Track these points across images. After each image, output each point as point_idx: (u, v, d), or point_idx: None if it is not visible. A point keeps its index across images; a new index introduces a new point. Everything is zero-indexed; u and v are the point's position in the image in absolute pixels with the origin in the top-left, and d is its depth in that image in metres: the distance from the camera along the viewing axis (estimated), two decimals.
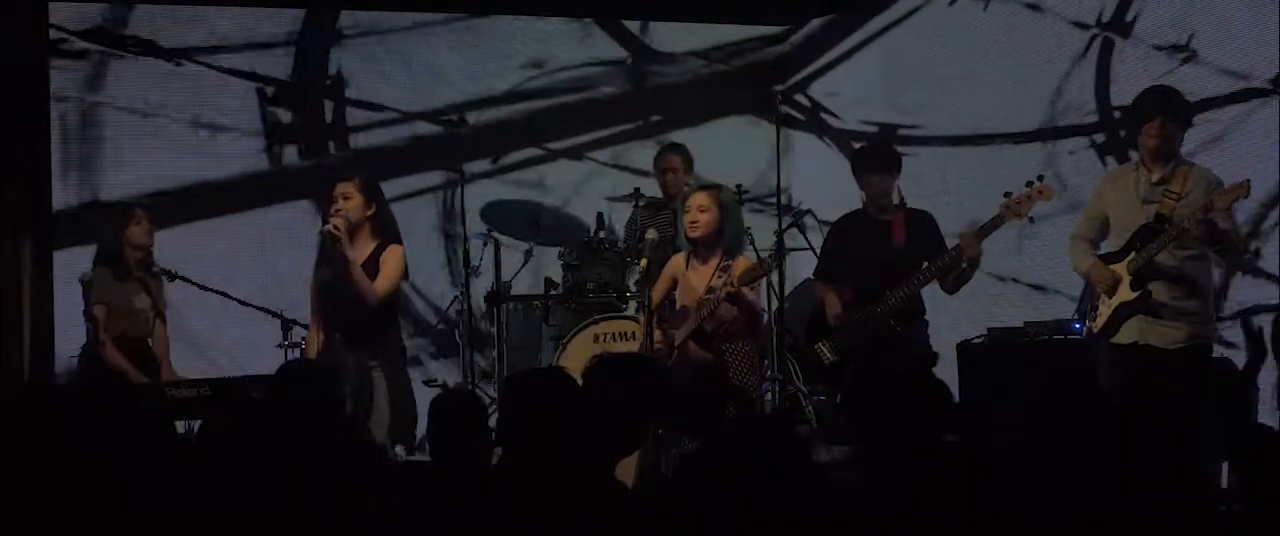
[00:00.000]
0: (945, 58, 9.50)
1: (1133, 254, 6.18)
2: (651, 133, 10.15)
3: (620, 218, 9.07)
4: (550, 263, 8.85)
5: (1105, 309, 6.24)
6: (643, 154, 9.92)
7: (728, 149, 9.78)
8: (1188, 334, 6.12)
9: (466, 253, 7.90)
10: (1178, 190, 6.08)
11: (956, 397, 7.33)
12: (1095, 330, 6.28)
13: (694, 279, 6.61)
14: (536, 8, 9.94)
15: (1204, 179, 6.15)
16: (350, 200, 6.67)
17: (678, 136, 9.79)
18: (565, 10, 10.03)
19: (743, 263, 6.56)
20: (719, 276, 6.48)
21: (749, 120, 10.42)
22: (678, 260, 6.75)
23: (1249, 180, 6.05)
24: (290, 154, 9.46)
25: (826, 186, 9.49)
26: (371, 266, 6.66)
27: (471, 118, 9.64)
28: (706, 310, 6.44)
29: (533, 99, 9.93)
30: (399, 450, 6.78)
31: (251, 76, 9.33)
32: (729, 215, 6.64)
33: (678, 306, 6.70)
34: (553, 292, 8.58)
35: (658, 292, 6.76)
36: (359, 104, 9.59)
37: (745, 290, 6.41)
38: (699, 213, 6.59)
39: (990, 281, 8.81)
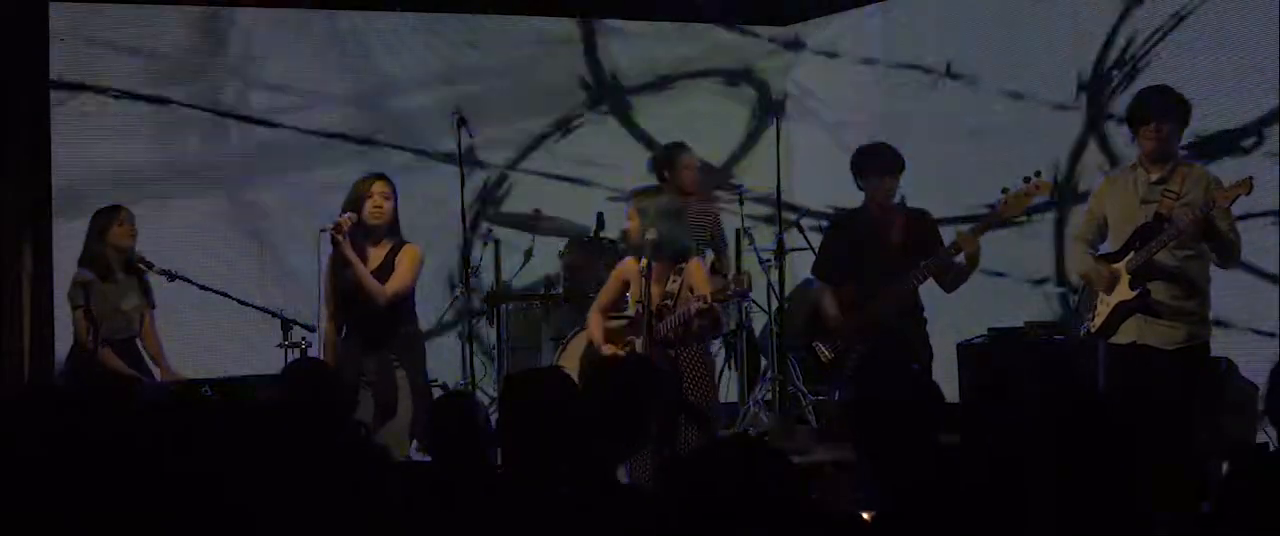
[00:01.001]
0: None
1: (1131, 253, 6.18)
2: (606, 103, 10.17)
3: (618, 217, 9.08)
4: (550, 263, 8.85)
5: (1103, 308, 6.24)
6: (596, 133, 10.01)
7: (694, 121, 9.77)
8: (1187, 334, 6.13)
9: (467, 253, 7.90)
10: (1176, 190, 6.09)
11: (957, 398, 7.40)
12: (1093, 330, 6.28)
13: (655, 284, 6.49)
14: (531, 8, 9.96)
15: (1203, 179, 6.15)
16: (388, 200, 6.79)
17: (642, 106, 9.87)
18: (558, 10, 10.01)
19: (696, 268, 6.53)
20: (674, 280, 6.47)
21: (718, 85, 10.41)
22: (629, 264, 6.68)
23: (1252, 177, 6.05)
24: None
25: (824, 168, 9.41)
26: (388, 265, 6.75)
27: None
28: (676, 323, 6.41)
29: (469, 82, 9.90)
30: (414, 447, 6.80)
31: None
32: (650, 222, 6.50)
33: (638, 312, 6.57)
34: (553, 292, 8.59)
35: (607, 296, 6.76)
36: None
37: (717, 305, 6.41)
38: (627, 221, 6.64)
39: (1027, 285, 8.78)
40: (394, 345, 6.74)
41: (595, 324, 6.76)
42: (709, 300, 6.32)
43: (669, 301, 6.47)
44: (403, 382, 6.70)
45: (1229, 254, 6.16)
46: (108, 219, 7.44)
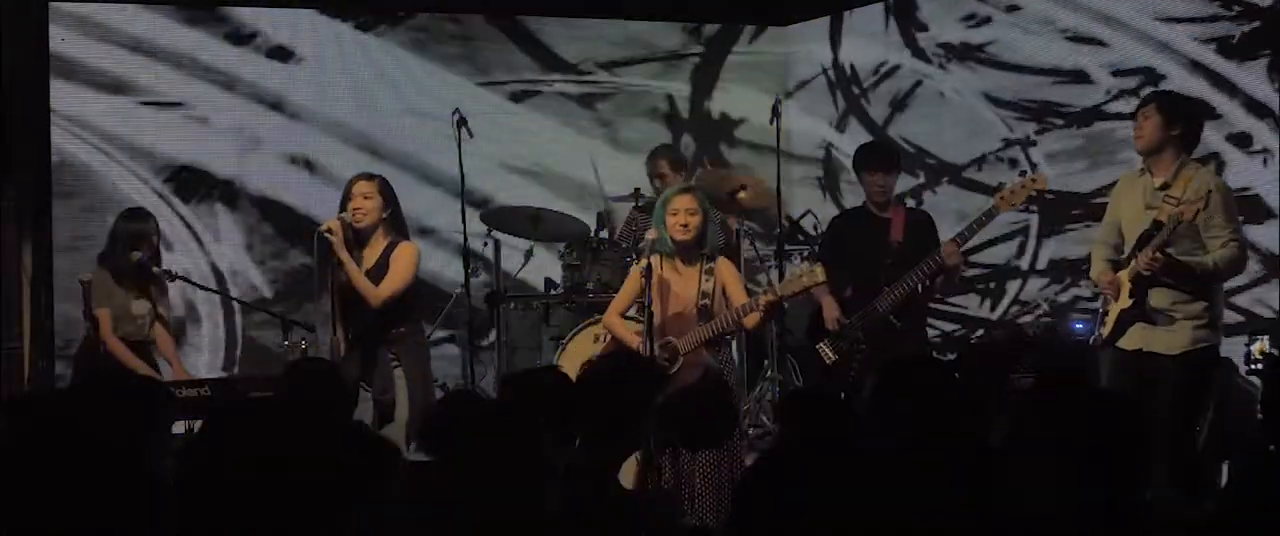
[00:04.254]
0: None
1: (1132, 261, 6.11)
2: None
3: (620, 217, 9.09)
4: (550, 263, 8.85)
5: (1111, 315, 6.18)
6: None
7: None
8: (1190, 339, 6.03)
9: (466, 253, 7.90)
10: (1177, 195, 5.99)
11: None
12: (1104, 336, 6.21)
13: (678, 284, 6.37)
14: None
15: (1206, 184, 5.99)
16: (370, 200, 6.71)
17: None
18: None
19: (725, 265, 6.42)
20: (707, 279, 6.36)
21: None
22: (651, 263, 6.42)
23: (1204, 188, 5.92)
24: None
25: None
26: (382, 265, 6.70)
27: None
28: (727, 322, 6.23)
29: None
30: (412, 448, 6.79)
31: None
32: (711, 217, 6.43)
33: (659, 313, 6.38)
34: (553, 292, 8.59)
35: (625, 299, 6.55)
36: None
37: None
38: (688, 216, 6.29)
39: None
40: (392, 345, 6.72)
41: (619, 327, 6.57)
42: (779, 294, 6.21)
43: (706, 301, 6.31)
44: (401, 384, 6.67)
45: (1211, 277, 6.03)
46: (143, 227, 7.40)
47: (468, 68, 9.80)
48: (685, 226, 6.29)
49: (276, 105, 9.38)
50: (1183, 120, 6.11)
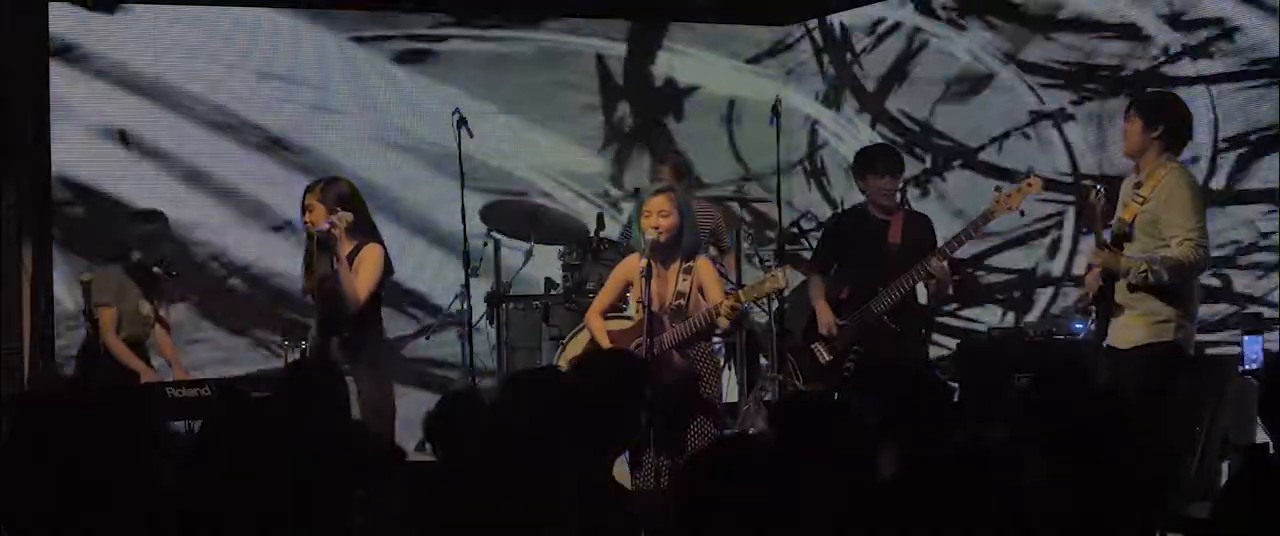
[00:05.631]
0: None
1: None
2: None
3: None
4: (550, 263, 8.85)
5: (1094, 314, 6.20)
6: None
7: None
8: (1143, 333, 5.97)
9: (466, 252, 7.90)
10: (1145, 194, 6.00)
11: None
12: (1093, 333, 6.24)
13: (656, 284, 6.35)
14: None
15: (1170, 184, 5.97)
16: (313, 211, 6.65)
17: None
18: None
19: (705, 266, 6.44)
20: (685, 279, 6.37)
21: None
22: (632, 263, 6.48)
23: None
24: None
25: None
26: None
27: None
28: (702, 322, 6.27)
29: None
30: None
31: None
32: (688, 217, 6.42)
33: (640, 312, 6.42)
34: (553, 292, 8.60)
35: (607, 297, 6.60)
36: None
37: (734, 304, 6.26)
38: (660, 218, 6.31)
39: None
40: (347, 353, 6.65)
41: (597, 327, 6.59)
42: (743, 299, 6.22)
43: (681, 301, 6.34)
44: (351, 391, 6.60)
45: (1166, 272, 5.94)
46: (147, 228, 7.40)
47: (344, 21, 8.87)
48: (657, 228, 6.32)
49: (86, 65, 8.58)
50: (1163, 121, 6.07)
